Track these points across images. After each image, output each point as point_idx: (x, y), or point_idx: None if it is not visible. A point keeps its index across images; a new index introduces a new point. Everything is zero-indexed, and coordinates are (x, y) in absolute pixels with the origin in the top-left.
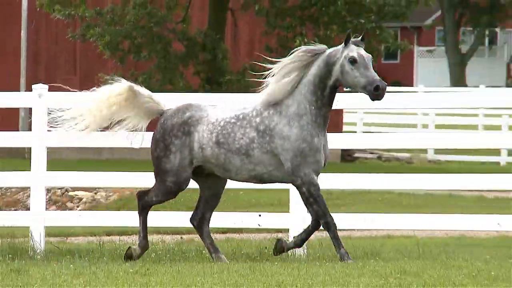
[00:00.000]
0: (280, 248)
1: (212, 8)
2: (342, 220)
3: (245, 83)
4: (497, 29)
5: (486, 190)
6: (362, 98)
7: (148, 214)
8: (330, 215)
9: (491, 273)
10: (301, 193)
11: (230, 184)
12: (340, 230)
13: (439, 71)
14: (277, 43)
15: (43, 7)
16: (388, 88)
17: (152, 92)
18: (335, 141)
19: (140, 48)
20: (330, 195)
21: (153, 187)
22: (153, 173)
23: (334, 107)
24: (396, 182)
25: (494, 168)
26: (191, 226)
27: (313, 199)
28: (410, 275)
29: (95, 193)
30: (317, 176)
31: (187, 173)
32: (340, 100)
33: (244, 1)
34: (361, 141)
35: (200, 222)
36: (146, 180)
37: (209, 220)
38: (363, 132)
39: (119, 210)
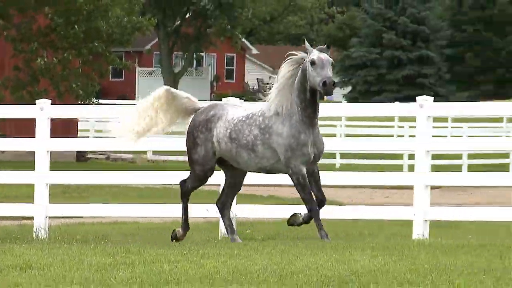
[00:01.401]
0: (293, 221)
1: None
2: (82, 209)
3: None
4: (203, 54)
5: None
6: None
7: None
8: (314, 202)
9: (199, 251)
10: (293, 182)
11: None
12: (77, 217)
13: (155, 87)
14: (23, 63)
15: None
16: (115, 101)
17: None
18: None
19: None
20: (68, 189)
21: (189, 176)
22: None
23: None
24: (121, 177)
25: None
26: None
27: (300, 187)
28: (133, 254)
29: None
30: (307, 163)
31: (212, 163)
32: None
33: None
34: (93, 145)
35: (223, 205)
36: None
37: (231, 204)
38: (95, 137)
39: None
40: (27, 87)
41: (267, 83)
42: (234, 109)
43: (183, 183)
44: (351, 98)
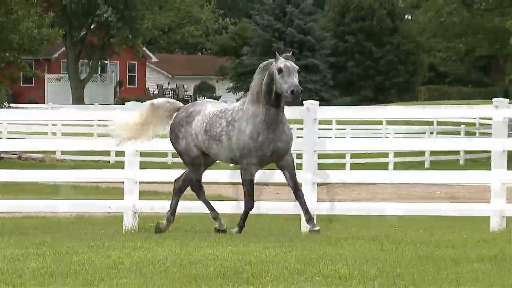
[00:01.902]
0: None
1: None
2: None
3: None
4: (107, 61)
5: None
6: None
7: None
8: (252, 198)
9: (105, 244)
10: (241, 176)
11: None
12: None
13: (63, 92)
14: None
15: None
16: (26, 105)
17: None
18: None
19: None
20: None
21: (187, 171)
22: None
23: None
24: (32, 175)
25: (105, 165)
26: None
27: (244, 183)
28: (44, 246)
29: None
30: (260, 164)
31: (194, 152)
32: None
33: None
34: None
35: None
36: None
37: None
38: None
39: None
40: None
41: (166, 88)
42: (213, 105)
43: (176, 180)
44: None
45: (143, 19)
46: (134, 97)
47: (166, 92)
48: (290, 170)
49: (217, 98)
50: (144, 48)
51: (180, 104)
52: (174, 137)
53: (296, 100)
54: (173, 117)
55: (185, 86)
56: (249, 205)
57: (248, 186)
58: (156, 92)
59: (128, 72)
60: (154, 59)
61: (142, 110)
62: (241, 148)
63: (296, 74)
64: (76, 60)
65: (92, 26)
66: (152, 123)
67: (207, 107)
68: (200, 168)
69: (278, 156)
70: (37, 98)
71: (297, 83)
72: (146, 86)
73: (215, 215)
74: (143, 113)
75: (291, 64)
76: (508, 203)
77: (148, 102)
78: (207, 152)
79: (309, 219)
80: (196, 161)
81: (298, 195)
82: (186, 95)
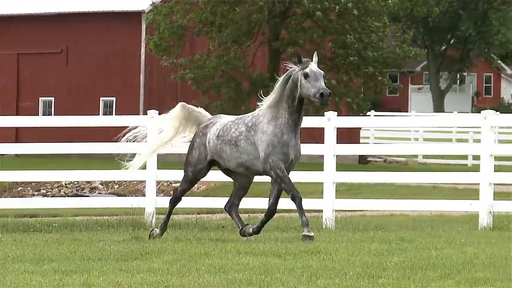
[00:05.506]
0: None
1: (270, 58)
2: (364, 204)
3: None
4: (465, 73)
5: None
6: None
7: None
8: (296, 190)
9: (461, 240)
10: (271, 177)
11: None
12: (360, 211)
13: (425, 101)
14: None
15: (151, 51)
16: (388, 113)
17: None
18: (353, 149)
19: (220, 85)
20: (352, 186)
21: (184, 175)
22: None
23: None
24: (395, 177)
25: (463, 168)
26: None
27: (280, 179)
28: (406, 241)
29: None
30: (285, 162)
31: (202, 165)
32: None
33: (291, 54)
34: (373, 149)
35: (230, 207)
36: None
37: (238, 205)
38: (375, 143)
39: (206, 196)
40: None
41: None
42: (229, 117)
43: (175, 191)
44: None
45: (498, 34)
46: (489, 106)
47: None
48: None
49: None
50: (499, 61)
51: (208, 116)
52: (190, 147)
53: (325, 103)
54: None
55: None
56: (296, 195)
57: (283, 179)
58: (511, 101)
59: (485, 83)
60: (508, 71)
61: (173, 113)
62: (265, 147)
63: (322, 78)
64: (437, 72)
65: (451, 41)
66: (186, 125)
67: (223, 118)
68: (195, 183)
69: (290, 166)
70: (402, 106)
71: (326, 87)
72: (501, 96)
73: (163, 229)
74: (176, 115)
75: (316, 68)
76: None
77: (180, 105)
78: (218, 157)
79: (304, 222)
80: (198, 175)
81: (274, 204)
82: None
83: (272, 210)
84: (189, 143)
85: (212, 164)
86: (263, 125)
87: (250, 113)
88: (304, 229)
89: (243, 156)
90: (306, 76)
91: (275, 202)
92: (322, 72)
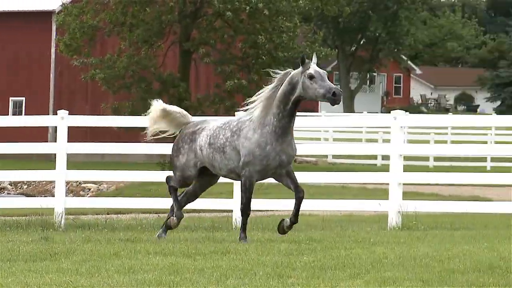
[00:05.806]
0: (282, 227)
1: (181, 58)
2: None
3: (201, 109)
4: (375, 74)
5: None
6: None
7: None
8: (249, 208)
9: (371, 239)
10: (240, 182)
11: None
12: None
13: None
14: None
15: (62, 52)
16: (299, 113)
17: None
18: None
19: (130, 85)
20: None
21: (173, 175)
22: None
23: None
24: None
25: (373, 168)
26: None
27: (245, 189)
28: (315, 241)
29: (99, 185)
30: (262, 174)
31: (189, 172)
32: None
33: (202, 54)
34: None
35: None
36: (134, 176)
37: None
38: None
39: (115, 197)
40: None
41: (429, 98)
42: (215, 121)
43: (168, 180)
44: (500, 111)
45: (408, 34)
46: (399, 107)
47: (429, 102)
48: (292, 177)
49: (476, 108)
50: (408, 62)
51: (190, 118)
52: (176, 150)
53: (337, 101)
54: (181, 131)
55: (446, 96)
56: (246, 211)
57: (247, 193)
58: (420, 101)
59: (394, 83)
60: (418, 71)
61: (154, 110)
62: (245, 155)
63: (327, 77)
64: (347, 73)
65: (361, 42)
66: (163, 124)
67: (210, 123)
68: (186, 186)
69: (281, 169)
70: (312, 107)
71: (335, 86)
72: (411, 96)
73: (178, 215)
74: (156, 114)
75: (319, 69)
76: None
77: (159, 105)
78: (211, 165)
79: (293, 223)
80: (187, 180)
81: (299, 196)
82: (447, 104)
83: (294, 222)
84: (173, 145)
85: (205, 169)
86: (248, 131)
87: (236, 117)
88: (242, 241)
89: (231, 163)
90: (311, 77)
91: (296, 213)
92: (325, 72)
